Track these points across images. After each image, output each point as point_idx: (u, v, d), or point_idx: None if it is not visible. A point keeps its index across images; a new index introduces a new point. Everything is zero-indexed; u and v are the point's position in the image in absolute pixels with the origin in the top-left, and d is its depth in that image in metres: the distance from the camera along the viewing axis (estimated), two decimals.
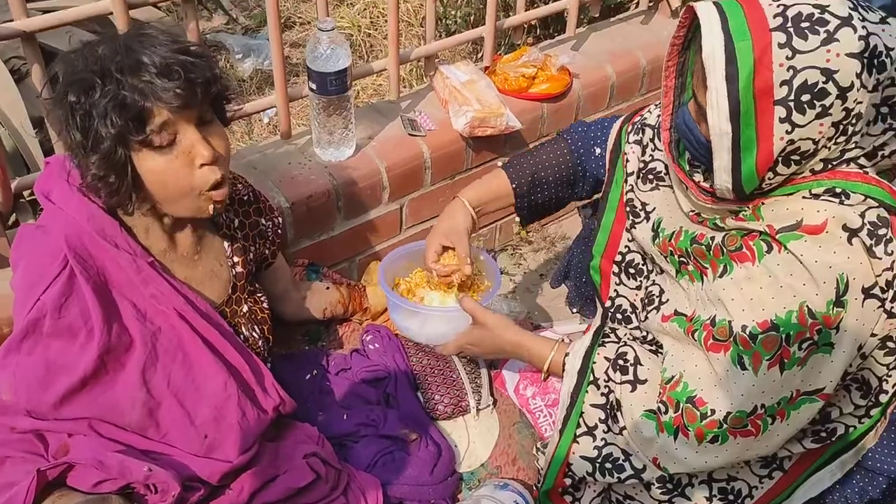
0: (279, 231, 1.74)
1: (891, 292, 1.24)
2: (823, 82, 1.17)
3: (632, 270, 1.66)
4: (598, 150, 1.76)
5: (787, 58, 1.17)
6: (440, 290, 1.79)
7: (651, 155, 1.60)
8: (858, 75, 1.17)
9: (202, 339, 1.40)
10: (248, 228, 1.64)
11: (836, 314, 1.23)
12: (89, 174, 1.30)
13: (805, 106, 1.18)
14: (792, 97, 1.18)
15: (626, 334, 1.60)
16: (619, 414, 1.48)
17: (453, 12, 3.61)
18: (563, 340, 1.63)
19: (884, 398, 1.37)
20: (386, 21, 3.92)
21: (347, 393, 1.76)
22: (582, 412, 1.53)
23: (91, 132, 1.25)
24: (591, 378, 1.53)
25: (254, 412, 1.42)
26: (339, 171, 2.06)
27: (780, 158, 1.23)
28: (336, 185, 2.03)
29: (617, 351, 1.54)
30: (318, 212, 2.03)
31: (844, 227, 1.23)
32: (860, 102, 1.19)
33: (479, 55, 2.70)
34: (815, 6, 1.19)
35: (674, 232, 1.49)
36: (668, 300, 1.51)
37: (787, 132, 1.20)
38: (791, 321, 1.24)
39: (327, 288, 1.92)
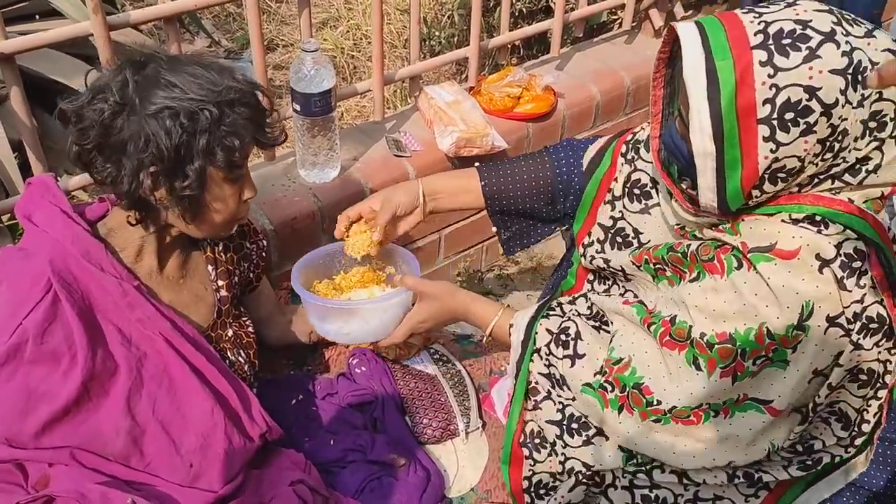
0: (263, 254, 1.72)
1: (858, 324, 1.23)
2: (807, 100, 1.15)
3: (604, 276, 1.65)
4: (583, 167, 1.73)
5: (769, 76, 1.16)
6: (361, 286, 1.73)
7: (635, 166, 1.58)
8: (843, 91, 1.15)
9: (189, 365, 1.37)
10: (232, 251, 1.62)
11: (795, 336, 1.23)
12: (179, 186, 1.31)
13: (789, 124, 1.17)
14: (775, 115, 1.17)
15: (571, 309, 1.58)
16: (565, 388, 1.50)
17: (437, 33, 3.62)
18: (508, 306, 1.63)
19: (866, 427, 1.37)
20: (369, 43, 3.92)
21: (334, 418, 1.73)
22: (534, 382, 1.54)
23: (190, 151, 1.29)
24: (534, 347, 1.53)
25: (240, 440, 1.40)
26: (324, 193, 2.04)
27: (765, 176, 1.22)
28: (321, 207, 2.01)
29: (560, 325, 1.53)
30: (303, 234, 2.01)
31: (817, 257, 1.22)
32: (845, 119, 1.17)
33: (464, 76, 2.71)
34: (797, 22, 1.18)
35: (654, 245, 1.48)
36: (640, 298, 1.52)
37: (772, 151, 1.19)
38: (749, 338, 1.25)
39: None
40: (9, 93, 1.64)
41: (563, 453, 1.53)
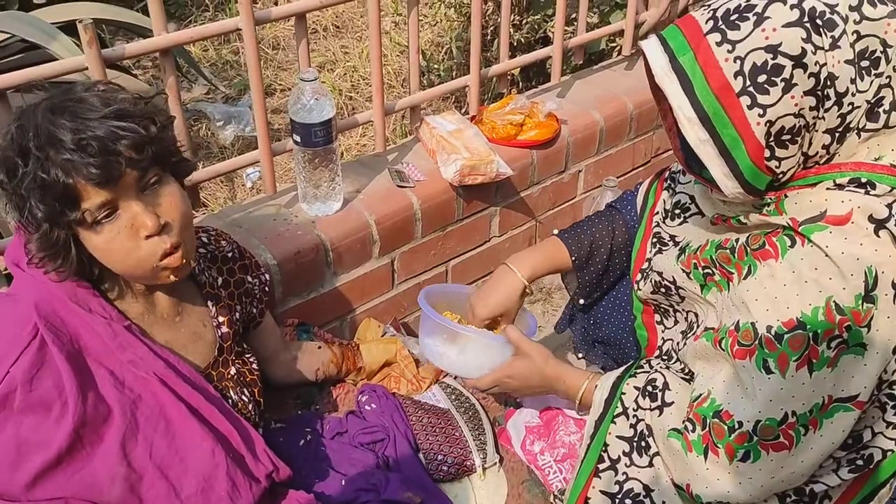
0: (266, 288, 1.66)
1: None
2: (772, 59, 1.18)
3: (664, 308, 1.64)
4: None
5: (729, 51, 1.20)
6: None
7: (674, 190, 1.62)
8: (806, 40, 1.17)
9: (186, 406, 1.30)
10: (233, 287, 1.56)
11: (867, 310, 1.18)
12: (33, 254, 1.22)
13: (766, 86, 1.19)
14: (749, 83, 1.19)
15: (658, 363, 1.54)
16: (651, 440, 1.43)
17: (436, 67, 3.61)
18: (598, 372, 1.59)
19: None
20: (367, 84, 3.91)
21: (344, 457, 1.66)
22: (606, 444, 1.47)
23: (26, 213, 1.17)
24: (620, 409, 1.48)
25: (245, 481, 1.32)
26: (327, 226, 1.98)
27: (772, 144, 1.21)
28: (324, 241, 1.96)
29: (647, 379, 1.48)
30: (307, 268, 1.94)
31: (871, 218, 1.19)
32: (824, 64, 1.18)
33: (463, 111, 2.67)
34: None
35: (700, 245, 1.46)
36: (702, 322, 1.48)
37: (760, 115, 1.20)
38: (818, 318, 1.19)
39: (319, 347, 1.82)
40: None
41: None
